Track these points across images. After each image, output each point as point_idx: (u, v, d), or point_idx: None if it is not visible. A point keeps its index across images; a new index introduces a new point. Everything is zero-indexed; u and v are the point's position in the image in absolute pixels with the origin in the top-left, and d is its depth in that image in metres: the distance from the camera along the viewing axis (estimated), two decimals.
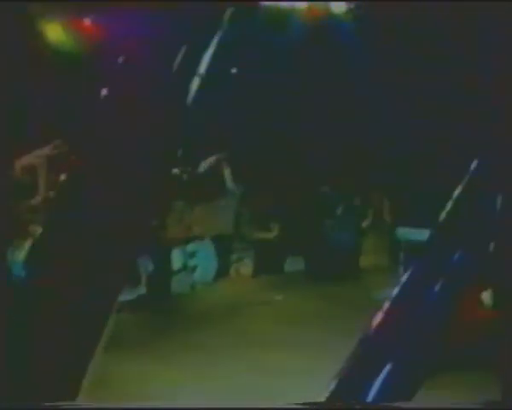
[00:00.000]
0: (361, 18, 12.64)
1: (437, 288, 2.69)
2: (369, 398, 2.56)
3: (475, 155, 2.83)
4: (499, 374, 5.90)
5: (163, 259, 11.14)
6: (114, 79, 2.20)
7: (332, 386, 2.62)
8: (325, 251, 12.82)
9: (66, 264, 2.08)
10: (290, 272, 12.76)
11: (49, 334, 2.05)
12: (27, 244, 7.97)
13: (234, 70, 13.00)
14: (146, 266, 10.67)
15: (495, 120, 2.92)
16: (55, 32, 12.33)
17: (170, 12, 2.11)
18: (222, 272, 12.11)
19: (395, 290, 2.77)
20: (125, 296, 9.15)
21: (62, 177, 9.28)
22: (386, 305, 2.74)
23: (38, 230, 8.79)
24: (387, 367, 2.61)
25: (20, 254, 2.28)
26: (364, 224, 13.70)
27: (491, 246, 2.79)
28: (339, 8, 12.85)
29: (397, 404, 2.49)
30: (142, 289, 10.54)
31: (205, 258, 11.86)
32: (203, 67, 2.12)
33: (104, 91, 2.15)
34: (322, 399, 2.56)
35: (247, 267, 12.50)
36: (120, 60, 2.14)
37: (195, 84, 2.12)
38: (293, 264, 12.95)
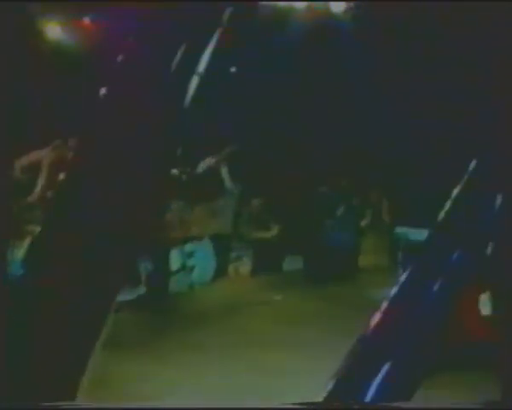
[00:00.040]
0: (360, 17, 12.64)
1: (436, 288, 2.69)
2: (368, 398, 2.56)
3: (474, 155, 2.84)
4: (499, 374, 5.90)
5: (162, 259, 11.14)
6: (114, 78, 2.20)
7: (330, 386, 2.62)
8: (324, 251, 12.83)
9: (65, 263, 2.08)
10: (289, 272, 12.78)
11: (48, 334, 2.05)
12: (25, 243, 8.00)
13: (233, 70, 13.00)
14: (145, 266, 10.67)
15: (494, 120, 2.92)
16: (54, 32, 12.34)
17: (170, 12, 2.11)
18: (220, 272, 12.11)
19: (394, 290, 2.77)
20: (125, 296, 9.16)
21: (61, 176, 9.32)
22: (385, 305, 2.74)
23: (35, 229, 8.82)
24: (386, 367, 2.61)
25: (18, 252, 2.28)
26: (363, 224, 13.72)
27: (490, 246, 2.80)
28: (338, 7, 12.85)
29: (396, 404, 2.48)
30: (142, 289, 10.55)
31: (203, 258, 11.87)
32: (203, 66, 2.12)
33: (103, 91, 2.15)
34: (320, 399, 2.56)
35: (245, 267, 12.51)
36: (120, 59, 2.14)
37: (195, 83, 2.12)
38: (292, 263, 12.96)
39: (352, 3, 12.73)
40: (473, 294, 7.05)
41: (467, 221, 2.81)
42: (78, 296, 2.07)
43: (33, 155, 9.90)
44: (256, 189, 13.18)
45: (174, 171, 11.00)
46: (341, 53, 12.66)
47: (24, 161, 9.61)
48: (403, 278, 2.80)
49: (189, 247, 11.75)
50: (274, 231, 13.07)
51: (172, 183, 10.69)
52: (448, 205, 2.82)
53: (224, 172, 12.39)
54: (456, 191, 2.82)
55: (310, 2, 12.84)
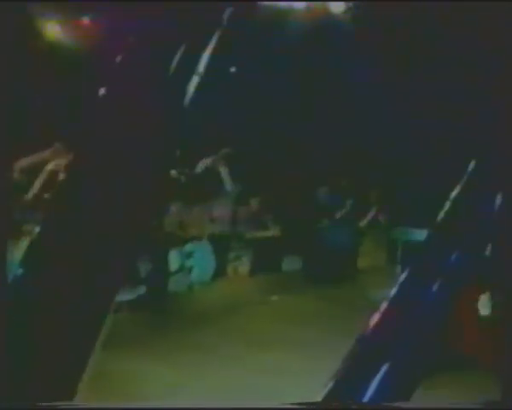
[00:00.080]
0: (360, 18, 12.64)
1: (435, 288, 2.69)
2: (367, 398, 2.56)
3: (474, 156, 2.84)
4: (499, 374, 5.90)
5: (161, 259, 11.13)
6: (113, 78, 2.20)
7: (329, 386, 2.62)
8: (323, 251, 12.82)
9: (64, 264, 2.07)
10: (288, 272, 12.77)
11: (47, 334, 2.05)
12: (22, 243, 8.00)
13: (233, 70, 13.00)
14: (145, 266, 10.67)
15: (494, 120, 2.92)
16: (54, 31, 12.34)
17: (169, 12, 2.11)
18: (219, 272, 12.11)
19: (393, 291, 2.77)
20: (125, 296, 9.17)
21: (61, 176, 9.33)
22: (385, 305, 2.74)
23: (32, 228, 8.82)
24: (385, 367, 2.61)
25: (16, 252, 2.27)
26: (363, 224, 13.71)
27: (490, 247, 2.80)
28: (337, 7, 12.86)
29: (395, 404, 2.49)
30: (141, 289, 10.55)
31: (202, 258, 11.86)
32: (202, 67, 2.12)
33: (103, 91, 2.15)
34: (319, 399, 2.56)
35: (244, 267, 12.50)
36: (120, 59, 2.14)
37: (194, 84, 2.12)
38: (291, 264, 12.95)
39: (351, 4, 12.74)
40: (469, 298, 7.06)
41: (466, 221, 2.81)
42: (77, 296, 2.07)
43: (33, 158, 9.91)
44: (255, 189, 13.17)
45: (173, 171, 11.01)
46: (341, 53, 12.66)
47: (23, 162, 9.61)
48: (402, 278, 2.80)
49: (187, 247, 11.75)
50: (273, 230, 13.07)
51: (171, 183, 10.69)
52: (447, 205, 2.82)
53: (224, 172, 12.39)
54: (455, 191, 2.83)
55: (309, 3, 12.84)
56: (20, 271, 2.08)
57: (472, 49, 10.14)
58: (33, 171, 9.93)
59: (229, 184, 12.41)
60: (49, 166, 9.92)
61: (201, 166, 12.25)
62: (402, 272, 2.82)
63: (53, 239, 2.13)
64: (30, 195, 9.77)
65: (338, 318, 9.24)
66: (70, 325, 2.08)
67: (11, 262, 2.18)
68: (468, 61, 10.46)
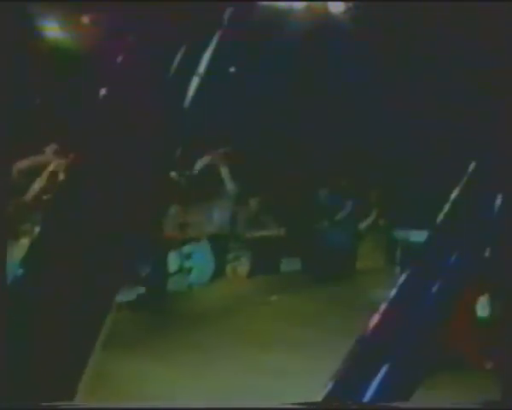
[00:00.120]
0: (359, 18, 12.64)
1: (435, 289, 2.69)
2: (367, 398, 2.56)
3: (474, 156, 2.83)
4: (499, 374, 5.90)
5: (160, 260, 11.14)
6: (113, 78, 2.20)
7: (329, 386, 2.62)
8: (323, 251, 12.82)
9: (64, 264, 2.07)
10: (288, 272, 12.77)
11: (47, 334, 2.05)
12: (20, 243, 8.01)
13: (233, 70, 13.00)
14: (144, 266, 10.68)
15: (494, 120, 2.92)
16: (54, 32, 12.33)
17: (170, 12, 2.11)
18: (218, 273, 12.11)
19: (393, 291, 2.77)
20: (124, 296, 9.18)
21: (61, 177, 9.34)
22: (384, 305, 2.74)
23: (30, 228, 8.81)
24: (385, 368, 2.61)
25: (15, 252, 2.27)
26: (362, 225, 13.71)
27: (490, 248, 2.80)
28: (337, 7, 12.86)
29: (395, 404, 2.49)
30: (141, 289, 10.55)
31: (201, 259, 11.87)
32: (202, 67, 2.11)
33: (103, 91, 2.15)
34: (319, 399, 2.56)
35: (243, 267, 12.51)
36: (119, 59, 2.13)
37: (194, 84, 2.12)
38: (290, 264, 12.95)
39: (350, 4, 12.74)
40: (467, 299, 7.05)
41: (466, 223, 2.81)
42: (77, 296, 2.07)
43: (32, 160, 9.91)
44: (254, 189, 13.17)
45: (172, 172, 11.00)
46: (341, 53, 12.65)
47: (22, 164, 9.62)
48: (402, 278, 2.80)
49: (186, 248, 11.76)
50: (272, 230, 13.08)
51: (171, 184, 10.69)
52: (447, 206, 2.82)
53: (225, 172, 12.38)
54: (455, 192, 2.82)
55: (309, 3, 12.84)
56: (20, 271, 2.08)
57: (472, 49, 10.14)
58: (32, 173, 9.94)
59: (229, 185, 12.40)
60: (50, 168, 9.93)
61: (200, 165, 12.24)
62: (401, 272, 2.82)
63: (53, 239, 2.13)
64: (29, 195, 9.77)
65: (338, 318, 9.24)
66: (70, 325, 2.08)
67: (11, 262, 2.18)
68: (468, 61, 10.46)
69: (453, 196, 2.81)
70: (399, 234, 12.02)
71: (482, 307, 7.36)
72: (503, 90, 3.11)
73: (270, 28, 12.01)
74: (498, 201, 2.71)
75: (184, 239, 11.75)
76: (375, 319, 2.70)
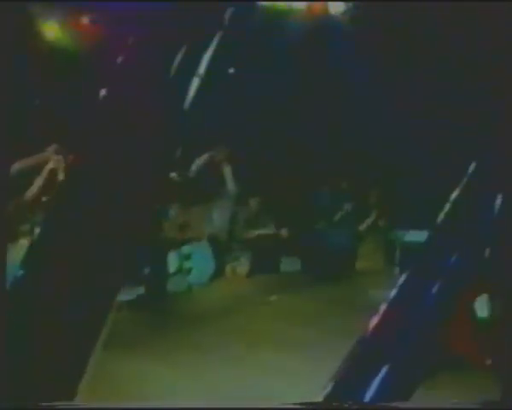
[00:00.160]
0: (359, 18, 12.64)
1: (435, 289, 2.69)
2: (367, 398, 2.56)
3: (474, 156, 2.84)
4: (499, 374, 5.90)
5: (160, 260, 11.14)
6: (113, 79, 2.20)
7: (329, 386, 2.62)
8: (323, 252, 12.82)
9: (64, 264, 2.07)
10: (288, 272, 12.77)
11: (47, 334, 2.05)
12: (19, 243, 8.01)
13: (233, 70, 13.00)
14: (144, 266, 10.68)
15: (494, 120, 2.92)
16: (54, 32, 12.34)
17: (170, 12, 2.11)
18: (218, 273, 12.11)
19: (393, 291, 2.77)
20: (124, 296, 9.17)
21: (61, 175, 9.35)
22: (385, 306, 2.74)
23: (29, 229, 8.80)
24: (385, 368, 2.61)
25: (16, 253, 2.27)
26: (362, 225, 13.71)
27: (490, 248, 2.80)
28: (337, 8, 12.87)
29: (395, 404, 2.49)
30: (141, 289, 10.56)
31: (201, 260, 11.87)
32: (202, 67, 2.11)
33: (103, 91, 2.15)
34: (319, 399, 2.56)
35: (243, 268, 12.51)
36: (120, 60, 2.14)
37: (194, 84, 2.12)
38: (290, 264, 12.95)
39: (350, 4, 12.75)
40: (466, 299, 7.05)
41: (466, 222, 2.81)
42: (77, 296, 2.07)
43: (32, 160, 9.91)
44: (254, 189, 13.18)
45: (172, 173, 11.01)
46: (341, 53, 12.66)
47: (21, 164, 9.61)
48: (402, 279, 2.80)
49: (186, 248, 11.76)
50: (271, 229, 13.09)
51: (171, 184, 10.70)
52: (447, 206, 2.82)
53: (227, 172, 12.38)
54: (455, 192, 2.82)
55: (309, 3, 12.85)
56: (19, 271, 2.08)
57: (472, 49, 10.15)
58: (31, 172, 9.94)
59: (230, 185, 12.40)
60: (49, 165, 9.93)
61: (200, 164, 12.23)
62: (401, 272, 2.82)
63: (53, 239, 2.13)
64: (29, 195, 9.77)
65: (338, 318, 9.24)
66: (70, 325, 2.08)
67: (11, 263, 2.18)
68: (468, 61, 10.46)
69: (453, 196, 2.81)
70: (399, 234, 12.02)
71: (482, 307, 7.35)
72: (503, 90, 3.11)
73: (270, 28, 12.02)
74: (498, 201, 2.71)
75: (184, 239, 11.75)
76: (376, 319, 2.70)
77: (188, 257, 11.75)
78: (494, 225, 2.76)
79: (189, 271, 11.69)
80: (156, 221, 10.55)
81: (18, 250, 2.28)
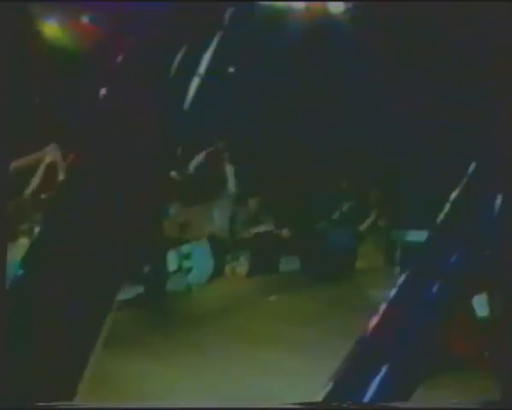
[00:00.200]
0: (359, 18, 12.64)
1: (435, 289, 2.69)
2: (367, 398, 2.56)
3: (474, 156, 2.84)
4: (499, 374, 5.90)
5: (159, 259, 11.14)
6: (113, 78, 2.20)
7: (329, 386, 2.62)
8: (323, 251, 12.82)
9: (64, 263, 2.07)
10: (287, 272, 12.77)
11: (47, 334, 2.05)
12: (19, 243, 8.00)
13: (232, 70, 13.00)
14: (143, 265, 10.68)
15: (494, 120, 2.92)
16: (54, 32, 12.34)
17: (170, 12, 2.11)
18: (217, 273, 12.11)
19: (393, 291, 2.77)
20: (123, 295, 9.17)
21: (57, 177, 9.34)
22: (384, 306, 2.74)
23: (29, 228, 8.79)
24: (385, 368, 2.61)
25: (15, 252, 2.27)
26: (362, 225, 13.71)
27: (490, 247, 2.80)
28: (337, 8, 12.86)
29: (395, 404, 2.49)
30: (140, 288, 10.55)
31: (200, 259, 11.87)
32: (202, 67, 2.11)
33: (103, 91, 2.15)
34: (319, 399, 2.56)
35: (242, 267, 12.51)
36: (119, 59, 2.13)
37: (195, 84, 2.12)
38: (290, 264, 12.95)
39: (350, 4, 12.74)
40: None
41: (466, 222, 2.81)
42: (77, 296, 2.07)
43: (30, 158, 9.91)
44: (254, 189, 13.17)
45: (173, 172, 11.01)
46: (340, 53, 12.65)
47: (20, 162, 9.61)
48: (402, 279, 2.80)
49: (185, 248, 11.76)
50: (271, 229, 13.09)
51: (171, 184, 10.69)
52: (447, 206, 2.82)
53: (229, 171, 12.38)
54: (455, 192, 2.82)
55: (308, 3, 12.84)
56: (19, 270, 2.08)
57: (472, 49, 10.15)
58: (29, 170, 9.94)
59: (232, 184, 12.40)
60: (46, 161, 9.93)
61: (201, 163, 12.23)
62: (401, 272, 2.82)
63: (53, 239, 2.13)
64: (28, 193, 9.78)
65: (337, 318, 9.24)
66: (70, 325, 2.08)
67: (10, 262, 2.18)
68: (468, 60, 10.46)
69: (453, 196, 2.81)
70: (399, 234, 12.03)
71: (482, 307, 7.35)
72: (503, 90, 3.11)
73: (270, 28, 12.02)
74: (498, 201, 2.71)
75: (184, 238, 11.75)
76: (375, 319, 2.70)
77: (187, 256, 11.75)
78: (494, 225, 2.75)
79: (189, 270, 11.69)
80: (156, 220, 10.55)
81: (17, 250, 2.28)
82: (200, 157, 12.27)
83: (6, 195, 2.42)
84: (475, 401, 2.74)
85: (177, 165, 11.27)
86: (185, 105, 2.12)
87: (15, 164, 9.33)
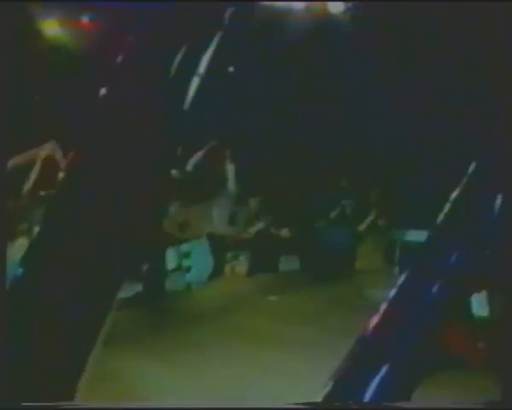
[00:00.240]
0: (359, 18, 12.65)
1: (435, 289, 2.69)
2: (367, 398, 2.56)
3: (474, 156, 2.84)
4: (499, 374, 5.90)
5: (159, 258, 11.15)
6: (113, 78, 2.20)
7: (329, 386, 2.62)
8: (322, 251, 12.83)
9: (64, 263, 2.07)
10: (287, 272, 12.78)
11: (47, 333, 2.04)
12: (21, 243, 8.01)
13: (233, 70, 13.01)
14: (143, 264, 10.68)
15: (494, 120, 2.92)
16: (54, 31, 12.35)
17: (170, 12, 2.11)
18: (217, 272, 12.12)
19: (393, 291, 2.78)
20: (123, 294, 9.16)
21: (54, 172, 9.34)
22: (384, 305, 2.74)
23: (28, 227, 8.79)
24: (385, 367, 2.61)
25: (14, 252, 2.28)
26: (362, 224, 13.72)
27: (490, 248, 2.80)
28: (337, 8, 12.87)
29: (395, 404, 2.49)
30: (139, 287, 10.56)
31: (200, 258, 11.88)
32: (202, 67, 2.11)
33: (103, 91, 2.14)
34: (318, 399, 2.56)
35: (242, 266, 12.52)
36: (119, 59, 2.13)
37: (195, 84, 2.12)
38: (289, 263, 12.96)
39: (350, 4, 12.75)
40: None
41: (466, 222, 2.81)
42: (77, 296, 2.07)
43: (27, 155, 9.92)
44: (254, 189, 13.18)
45: (173, 171, 11.01)
46: (340, 53, 12.66)
47: (18, 159, 9.62)
48: (402, 278, 2.80)
49: (185, 247, 11.77)
50: (271, 228, 13.11)
51: (171, 183, 10.70)
52: (447, 206, 2.82)
53: (230, 171, 12.39)
54: (455, 193, 2.82)
55: (308, 3, 12.85)
56: (19, 270, 2.08)
57: (472, 49, 10.15)
58: (27, 168, 9.96)
59: (231, 183, 12.41)
60: (42, 154, 9.94)
61: (197, 160, 12.24)
62: (401, 272, 2.82)
63: (52, 239, 2.13)
64: (26, 189, 9.78)
65: (337, 317, 9.24)
66: (69, 325, 2.08)
67: (10, 262, 2.18)
68: (468, 60, 10.46)
69: (453, 196, 2.81)
70: (399, 234, 12.04)
71: (482, 307, 7.36)
72: (503, 90, 3.11)
73: (270, 28, 12.02)
74: (498, 201, 2.71)
75: (183, 237, 11.76)
76: (375, 318, 2.70)
77: (187, 255, 11.76)
78: (494, 225, 2.76)
79: (188, 269, 11.70)
80: (157, 220, 10.55)
81: (17, 249, 2.28)
82: (199, 156, 12.28)
83: (5, 194, 2.42)
84: (475, 401, 2.75)
85: (177, 164, 11.28)
86: (185, 105, 2.12)
87: (13, 161, 9.33)
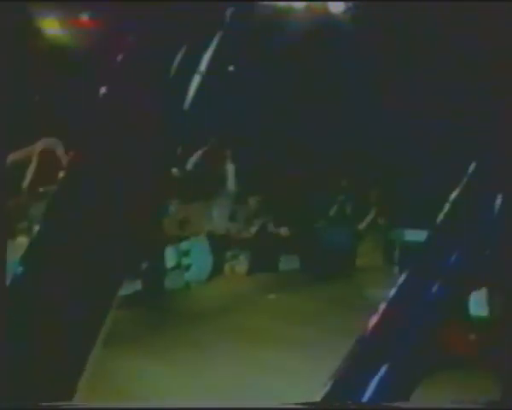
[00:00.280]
0: (359, 18, 12.65)
1: (435, 289, 2.69)
2: (366, 398, 2.56)
3: (474, 156, 2.84)
4: (499, 374, 5.91)
5: (158, 256, 11.14)
6: (113, 78, 2.20)
7: (328, 386, 2.62)
8: (322, 250, 12.83)
9: (64, 262, 2.07)
10: (286, 271, 12.78)
11: (47, 333, 2.04)
12: (20, 242, 8.01)
13: (233, 70, 13.01)
14: (142, 262, 10.67)
15: (494, 120, 2.92)
16: (54, 31, 12.34)
17: (170, 11, 2.11)
18: (217, 271, 12.12)
19: (393, 290, 2.77)
20: (122, 291, 9.14)
21: (51, 167, 9.33)
22: (384, 305, 2.74)
23: (27, 226, 8.78)
24: (385, 367, 2.61)
25: (14, 251, 2.28)
26: (362, 224, 13.72)
27: (490, 248, 2.80)
28: (337, 7, 12.88)
29: (395, 404, 2.49)
30: (138, 285, 10.55)
31: (199, 256, 11.87)
32: (203, 66, 2.11)
33: (103, 90, 2.14)
34: (318, 399, 2.56)
35: (241, 266, 12.52)
36: (119, 59, 2.13)
37: (195, 83, 2.12)
38: (289, 262, 12.96)
39: (350, 3, 12.75)
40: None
41: (466, 222, 2.81)
42: (77, 295, 2.07)
43: (24, 151, 9.92)
44: (253, 188, 13.18)
45: (173, 169, 11.00)
46: (340, 53, 12.66)
47: (16, 156, 9.61)
48: (402, 278, 2.80)
49: (184, 245, 11.77)
50: (271, 228, 13.11)
51: (171, 181, 10.69)
52: (447, 206, 2.82)
53: (231, 170, 12.40)
54: (455, 192, 2.82)
55: (309, 3, 12.86)
56: (19, 269, 2.08)
57: (472, 49, 10.15)
58: (25, 165, 9.96)
59: (231, 182, 12.41)
60: (38, 147, 9.94)
61: (196, 159, 12.24)
62: (401, 272, 2.82)
63: (52, 238, 2.13)
64: (25, 185, 9.78)
65: (337, 317, 9.24)
66: (69, 324, 2.08)
67: (10, 261, 2.18)
68: (468, 60, 10.46)
69: (453, 196, 2.81)
70: (399, 234, 12.04)
71: (482, 307, 7.36)
72: (503, 90, 3.11)
73: (270, 28, 12.02)
74: (498, 201, 2.71)
75: (183, 236, 11.76)
76: (375, 318, 2.70)
77: (186, 253, 11.76)
78: (494, 225, 2.76)
79: (188, 267, 11.69)
80: (157, 219, 10.53)
81: (16, 248, 2.28)
82: (199, 155, 12.28)
83: (5, 193, 2.42)
84: (475, 401, 2.74)
85: (178, 162, 11.27)
86: (185, 105, 2.11)
87: (10, 158, 9.33)
